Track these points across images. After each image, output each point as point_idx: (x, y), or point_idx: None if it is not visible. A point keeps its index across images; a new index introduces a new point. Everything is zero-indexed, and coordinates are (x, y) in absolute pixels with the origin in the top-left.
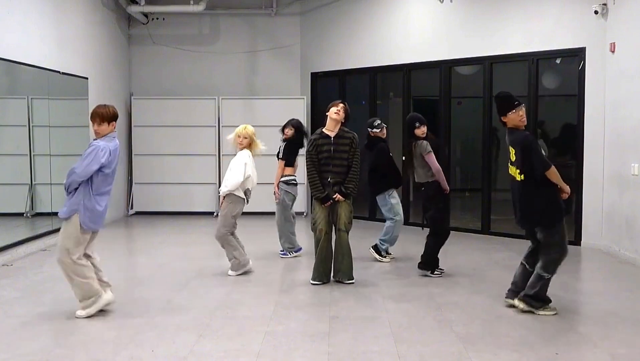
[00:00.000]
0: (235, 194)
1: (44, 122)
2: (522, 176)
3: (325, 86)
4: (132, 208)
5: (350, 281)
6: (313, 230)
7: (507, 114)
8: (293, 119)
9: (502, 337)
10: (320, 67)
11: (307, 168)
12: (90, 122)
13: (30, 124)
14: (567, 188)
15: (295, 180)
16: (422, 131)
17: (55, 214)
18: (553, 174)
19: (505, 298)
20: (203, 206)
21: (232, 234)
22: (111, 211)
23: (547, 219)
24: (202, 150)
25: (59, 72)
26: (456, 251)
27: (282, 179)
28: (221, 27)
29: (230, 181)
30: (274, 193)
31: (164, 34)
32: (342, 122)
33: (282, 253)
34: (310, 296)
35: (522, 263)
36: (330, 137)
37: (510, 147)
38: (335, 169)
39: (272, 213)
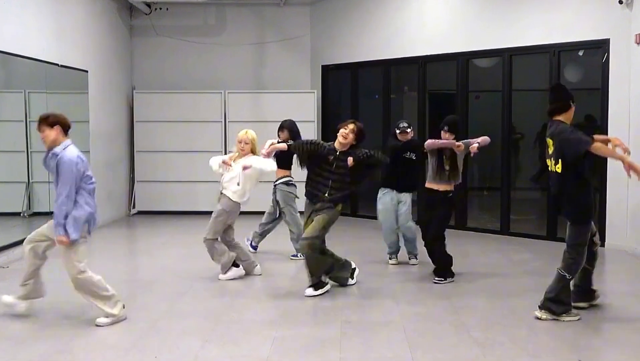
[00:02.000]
0: (235, 201)
1: None
2: (560, 167)
3: (337, 79)
4: (134, 207)
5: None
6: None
7: (568, 110)
8: (286, 121)
9: (522, 343)
10: (332, 59)
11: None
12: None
13: (28, 119)
14: (627, 158)
15: (292, 180)
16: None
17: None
18: (597, 149)
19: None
20: (208, 205)
21: (228, 239)
22: (112, 211)
23: (577, 215)
24: (208, 147)
25: (57, 64)
26: (474, 252)
27: (281, 180)
28: (227, 17)
29: (266, 165)
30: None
31: (168, 24)
32: (354, 144)
33: (294, 255)
34: (321, 300)
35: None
36: (337, 151)
37: (549, 139)
38: (335, 185)
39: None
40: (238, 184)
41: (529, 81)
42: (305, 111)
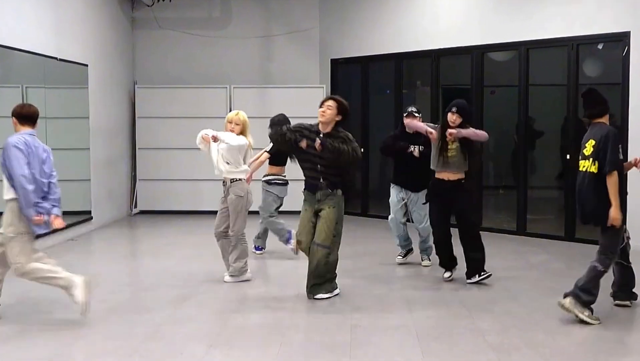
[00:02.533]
0: (240, 178)
1: (40, 114)
2: (596, 169)
3: (347, 74)
4: (135, 206)
5: (317, 297)
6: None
7: (607, 113)
8: (279, 115)
9: (539, 348)
10: (341, 53)
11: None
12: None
13: None
14: (614, 213)
15: (279, 180)
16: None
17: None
18: (612, 182)
19: (615, 301)
20: (213, 204)
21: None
22: (113, 211)
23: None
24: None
25: (56, 58)
26: (489, 253)
27: (265, 178)
28: (233, 9)
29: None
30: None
31: (171, 17)
32: (338, 120)
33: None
34: (330, 303)
35: (616, 262)
36: (321, 133)
37: (591, 140)
38: (326, 170)
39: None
40: (228, 163)
41: (547, 76)
42: (314, 107)
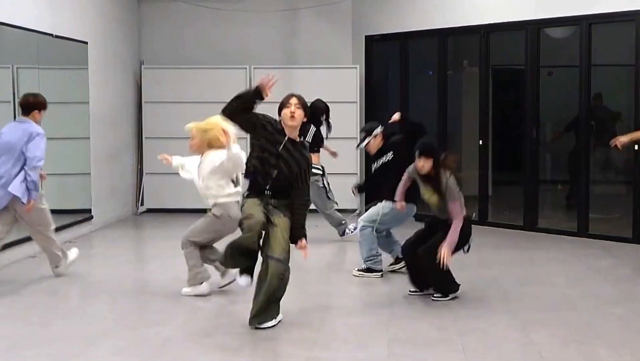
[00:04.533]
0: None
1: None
2: None
3: (383, 52)
4: (142, 204)
5: (262, 326)
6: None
7: None
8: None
9: None
10: (377, 29)
11: None
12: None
13: (16, 100)
14: None
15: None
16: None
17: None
18: None
19: None
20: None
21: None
22: (116, 209)
23: None
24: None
25: (51, 35)
26: (546, 257)
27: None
28: None
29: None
30: None
31: None
32: (305, 121)
33: (344, 235)
34: (364, 311)
35: None
36: (285, 137)
37: None
38: (276, 183)
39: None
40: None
41: (611, 54)
42: (346, 90)
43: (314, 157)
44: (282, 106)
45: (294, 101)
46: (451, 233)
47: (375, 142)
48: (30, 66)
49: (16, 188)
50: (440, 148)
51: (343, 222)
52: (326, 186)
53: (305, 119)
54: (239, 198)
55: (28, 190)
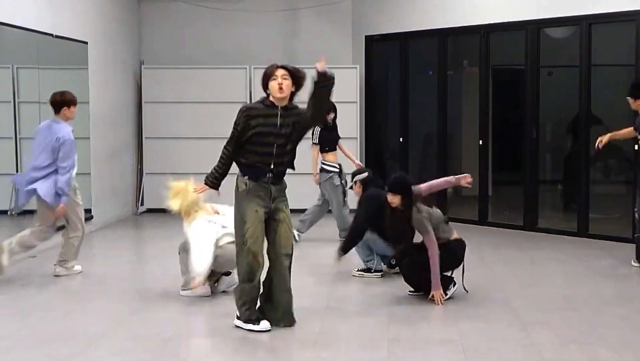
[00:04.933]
0: None
1: (33, 98)
2: None
3: (383, 52)
4: (142, 204)
5: (292, 325)
6: (240, 249)
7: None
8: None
9: None
10: (377, 29)
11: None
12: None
13: (16, 100)
14: None
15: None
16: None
17: None
18: None
19: None
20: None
21: None
22: (116, 209)
23: None
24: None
25: (51, 35)
26: (546, 257)
27: (329, 168)
28: None
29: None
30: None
31: None
32: (292, 92)
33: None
34: (364, 312)
35: None
36: (278, 108)
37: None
38: (278, 159)
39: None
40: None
41: (612, 54)
42: (346, 90)
43: (328, 156)
44: (268, 77)
45: (280, 72)
46: (432, 267)
47: (355, 189)
48: (30, 66)
49: (46, 191)
50: (413, 183)
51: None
52: (343, 185)
53: (293, 89)
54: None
55: (58, 195)
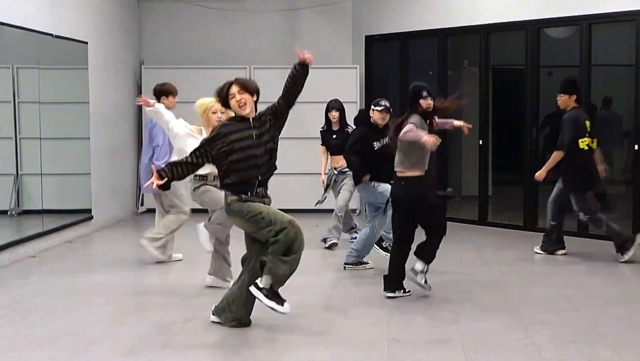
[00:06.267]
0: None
1: (33, 98)
2: None
3: (383, 52)
4: (142, 204)
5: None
6: (270, 231)
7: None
8: (336, 101)
9: None
10: (377, 29)
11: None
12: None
13: (16, 100)
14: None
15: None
16: (428, 103)
17: (47, 211)
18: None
19: None
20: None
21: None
22: (116, 209)
23: None
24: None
25: (51, 35)
26: (546, 257)
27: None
28: None
29: None
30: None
31: None
32: (255, 102)
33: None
34: (364, 312)
35: None
36: (249, 120)
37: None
38: (263, 168)
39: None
40: None
41: (612, 53)
42: (346, 90)
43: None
44: (225, 98)
45: (234, 89)
46: (409, 133)
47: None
48: (30, 66)
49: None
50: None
51: (354, 225)
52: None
53: (255, 98)
54: None
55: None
